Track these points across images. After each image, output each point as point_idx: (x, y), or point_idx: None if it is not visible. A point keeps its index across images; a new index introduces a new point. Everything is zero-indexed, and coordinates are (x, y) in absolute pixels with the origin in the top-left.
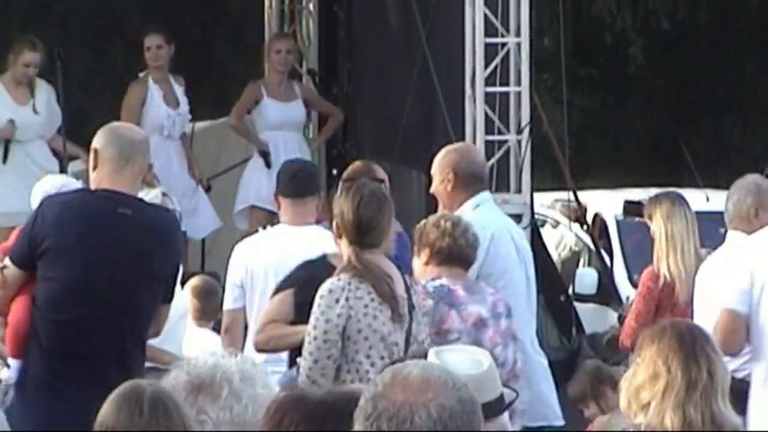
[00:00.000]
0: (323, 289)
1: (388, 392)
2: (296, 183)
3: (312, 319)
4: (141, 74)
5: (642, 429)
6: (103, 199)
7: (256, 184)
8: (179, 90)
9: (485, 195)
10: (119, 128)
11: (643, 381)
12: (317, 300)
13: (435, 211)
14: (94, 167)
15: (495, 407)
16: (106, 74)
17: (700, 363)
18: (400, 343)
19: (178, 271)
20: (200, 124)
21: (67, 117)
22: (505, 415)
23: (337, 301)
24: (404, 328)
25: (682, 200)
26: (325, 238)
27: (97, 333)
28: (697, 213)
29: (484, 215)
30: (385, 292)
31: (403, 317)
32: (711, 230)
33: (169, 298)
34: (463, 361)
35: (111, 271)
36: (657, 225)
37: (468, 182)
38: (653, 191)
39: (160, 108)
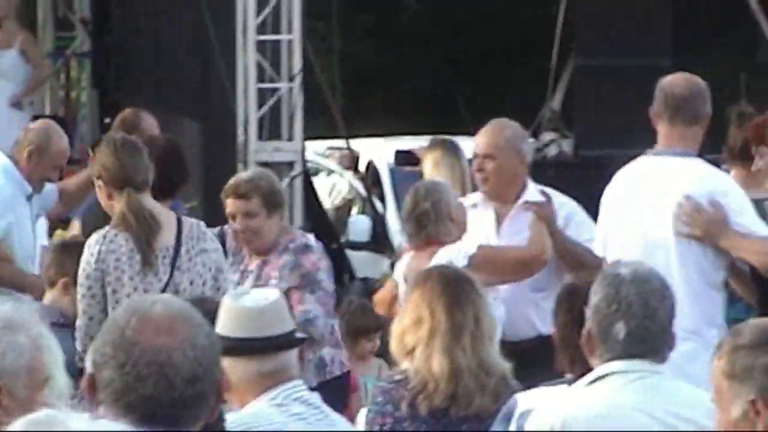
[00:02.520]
0: (87, 244)
1: (139, 338)
2: None
3: (78, 276)
4: None
5: (410, 374)
6: None
7: None
8: None
9: None
10: None
11: (407, 325)
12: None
13: (213, 160)
14: None
15: (282, 341)
16: None
17: (464, 308)
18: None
19: None
20: None
21: None
22: (293, 351)
23: (92, 255)
24: (161, 279)
25: (455, 149)
26: None
27: None
28: (470, 161)
29: None
30: (139, 240)
31: (154, 266)
32: None
33: None
34: (252, 297)
35: None
36: (426, 171)
37: None
38: (426, 139)
39: None
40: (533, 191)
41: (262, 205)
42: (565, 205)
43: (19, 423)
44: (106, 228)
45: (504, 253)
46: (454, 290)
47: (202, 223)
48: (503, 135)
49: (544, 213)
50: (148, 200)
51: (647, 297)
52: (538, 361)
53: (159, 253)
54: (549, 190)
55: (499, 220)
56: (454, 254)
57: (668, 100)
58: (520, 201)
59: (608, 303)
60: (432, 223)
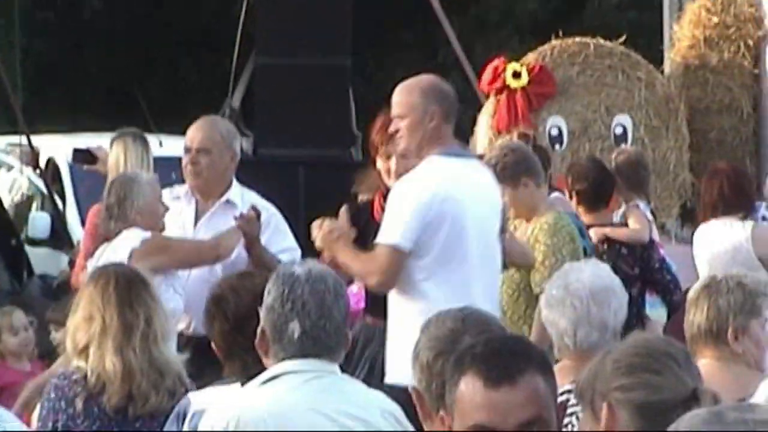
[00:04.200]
0: None
1: None
2: None
3: None
4: None
5: (87, 374)
6: None
7: None
8: None
9: None
10: None
11: (79, 322)
12: None
13: None
14: None
15: None
16: None
17: (135, 308)
18: None
19: None
20: None
21: None
22: None
23: None
24: None
25: (144, 140)
26: None
27: None
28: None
29: None
30: None
31: None
32: (164, 174)
33: None
34: None
35: None
36: (114, 157)
37: None
38: (107, 136)
39: None
40: (237, 190)
41: None
42: (264, 210)
43: None
44: None
45: (181, 242)
46: (125, 289)
47: None
48: (218, 130)
49: (249, 229)
50: None
51: (322, 296)
52: None
53: None
54: (253, 194)
55: (198, 215)
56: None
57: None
58: (224, 198)
59: (282, 302)
60: (118, 217)
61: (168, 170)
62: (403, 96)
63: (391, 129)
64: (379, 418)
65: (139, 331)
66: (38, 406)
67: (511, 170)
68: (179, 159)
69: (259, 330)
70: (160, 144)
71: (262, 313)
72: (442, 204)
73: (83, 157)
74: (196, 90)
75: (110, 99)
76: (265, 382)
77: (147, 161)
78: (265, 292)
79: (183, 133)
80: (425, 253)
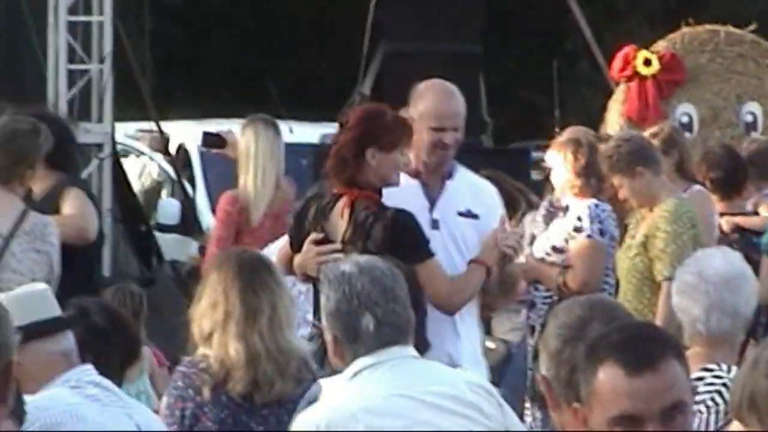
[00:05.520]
0: None
1: None
2: None
3: None
4: None
5: (211, 361)
6: None
7: None
8: None
9: None
10: None
11: (204, 309)
12: None
13: None
14: None
15: (68, 320)
16: None
17: (259, 294)
18: None
19: None
20: None
21: None
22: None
23: None
24: None
25: (275, 125)
26: None
27: None
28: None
29: None
30: None
31: None
32: (294, 162)
33: None
34: (24, 288)
35: None
36: (245, 142)
37: None
38: (237, 122)
39: None
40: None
41: None
42: None
43: None
44: None
45: None
46: (249, 275)
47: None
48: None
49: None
50: None
51: (382, 281)
52: None
53: None
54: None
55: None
56: None
57: None
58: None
59: (348, 301)
60: None
61: (298, 157)
62: (460, 107)
63: (450, 141)
64: (469, 393)
65: (265, 317)
66: (165, 395)
67: (626, 160)
68: (309, 145)
69: (329, 339)
70: (290, 131)
71: (327, 321)
72: None
73: (212, 140)
74: (326, 75)
75: (240, 85)
76: (351, 378)
77: (278, 147)
78: (322, 300)
79: (313, 120)
80: None
